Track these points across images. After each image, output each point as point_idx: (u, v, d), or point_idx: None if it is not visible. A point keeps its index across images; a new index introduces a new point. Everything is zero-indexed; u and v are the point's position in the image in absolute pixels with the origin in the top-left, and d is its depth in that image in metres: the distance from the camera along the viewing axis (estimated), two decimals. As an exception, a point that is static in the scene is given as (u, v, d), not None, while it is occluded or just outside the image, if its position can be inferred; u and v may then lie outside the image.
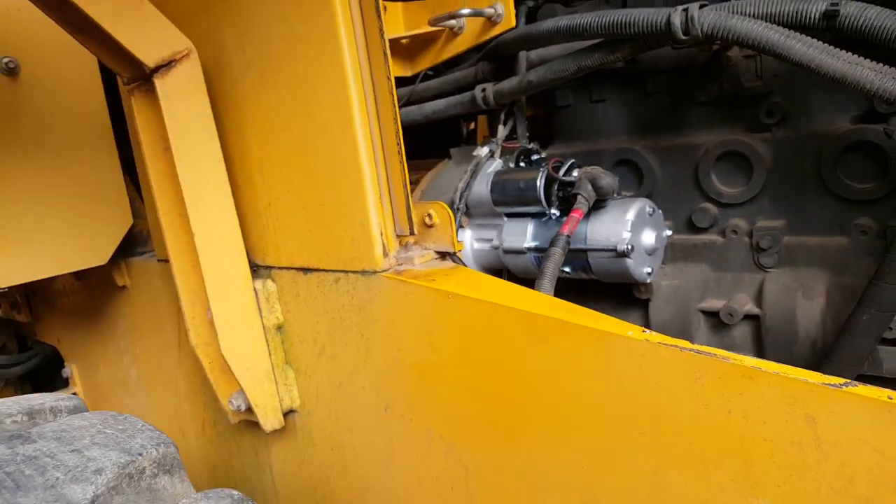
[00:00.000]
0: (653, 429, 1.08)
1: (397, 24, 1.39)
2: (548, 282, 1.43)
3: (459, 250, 1.44)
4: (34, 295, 2.83)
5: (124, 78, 1.57)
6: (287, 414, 1.72)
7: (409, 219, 1.38)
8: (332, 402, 1.61)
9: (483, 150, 1.79)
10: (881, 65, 1.25)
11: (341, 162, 1.38)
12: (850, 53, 1.28)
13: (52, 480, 0.83)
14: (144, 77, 1.55)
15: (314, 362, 1.62)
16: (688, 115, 1.74)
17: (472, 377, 1.29)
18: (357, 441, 1.58)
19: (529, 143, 1.88)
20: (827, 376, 0.93)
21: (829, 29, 1.32)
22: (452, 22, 1.34)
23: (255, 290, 1.63)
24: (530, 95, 1.95)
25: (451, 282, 1.34)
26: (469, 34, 1.37)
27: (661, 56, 1.71)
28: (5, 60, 1.81)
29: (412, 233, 1.40)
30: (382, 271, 1.40)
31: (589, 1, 1.85)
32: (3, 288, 1.85)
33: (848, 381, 0.91)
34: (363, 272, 1.42)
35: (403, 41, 1.38)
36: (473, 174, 1.76)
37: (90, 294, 2.39)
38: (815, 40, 1.31)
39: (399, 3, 1.36)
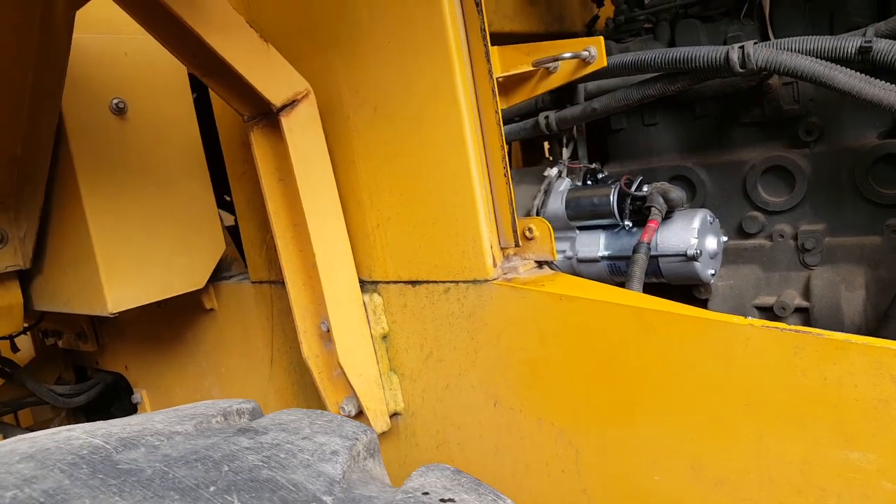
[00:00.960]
0: (757, 400, 1.29)
1: (496, 65, 1.61)
2: (636, 283, 1.65)
3: (555, 259, 1.65)
4: (101, 325, 2.97)
5: (245, 115, 1.76)
6: (391, 417, 1.90)
7: (515, 232, 1.59)
8: (437, 402, 1.80)
9: (553, 171, 2.00)
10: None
11: (454, 183, 1.59)
12: (883, 82, 1.52)
13: (305, 461, 1.00)
14: (264, 114, 1.75)
15: (420, 367, 1.81)
16: (734, 135, 1.98)
17: (583, 368, 1.49)
18: (464, 436, 1.76)
19: (590, 163, 2.11)
20: (906, 343, 1.15)
21: (864, 61, 1.56)
22: (551, 63, 1.56)
23: (364, 303, 1.82)
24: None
25: (558, 285, 1.54)
26: (563, 73, 1.59)
27: (708, 84, 1.95)
28: (115, 101, 2.00)
29: (517, 245, 1.61)
30: (493, 279, 1.60)
31: (639, 38, 2.10)
32: (115, 313, 2.02)
33: (926, 346, 1.13)
34: (474, 281, 1.63)
35: (500, 80, 1.59)
36: (547, 192, 1.97)
37: (170, 319, 2.55)
38: (853, 71, 1.55)
39: (496, 48, 1.57)
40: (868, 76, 1.54)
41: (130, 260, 2.04)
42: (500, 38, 1.66)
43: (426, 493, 0.98)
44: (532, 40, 1.74)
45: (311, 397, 2.16)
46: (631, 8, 2.13)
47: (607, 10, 2.34)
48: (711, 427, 1.35)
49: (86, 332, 2.98)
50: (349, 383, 1.80)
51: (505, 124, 2.14)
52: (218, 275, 2.34)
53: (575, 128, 2.14)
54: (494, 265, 1.61)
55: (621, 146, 2.19)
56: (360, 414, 1.84)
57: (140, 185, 2.06)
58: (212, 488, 0.88)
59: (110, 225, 1.98)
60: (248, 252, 2.18)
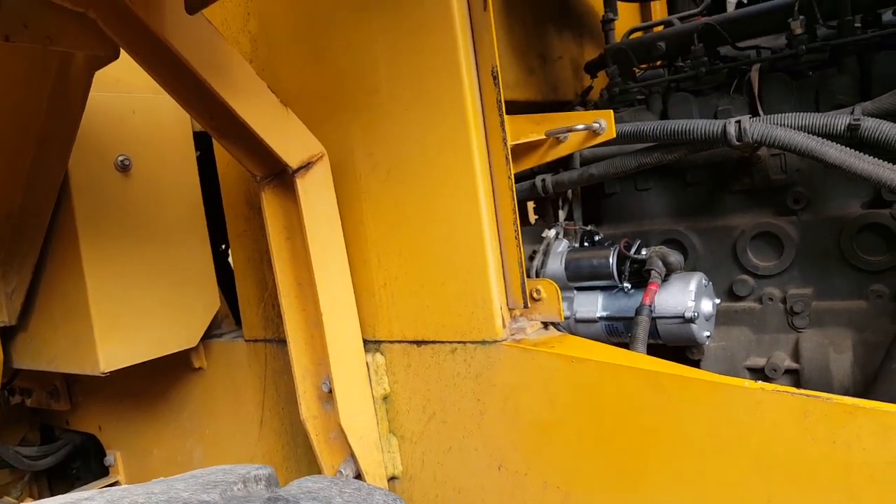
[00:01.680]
0: (766, 463, 1.32)
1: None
2: (641, 345, 1.69)
3: (562, 321, 1.69)
4: (76, 383, 2.88)
5: (257, 176, 1.78)
6: (388, 481, 1.88)
7: (524, 293, 1.63)
8: (438, 466, 1.79)
9: (551, 232, 2.06)
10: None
11: (465, 245, 1.62)
12: (871, 157, 1.63)
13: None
14: (275, 175, 1.77)
15: (421, 429, 1.80)
16: (724, 202, 2.07)
17: (592, 430, 1.51)
18: (464, 500, 1.75)
19: (586, 225, 2.17)
20: (910, 406, 1.20)
21: (852, 137, 1.66)
22: (562, 134, 1.63)
23: (366, 363, 1.82)
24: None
25: (568, 347, 1.57)
26: (573, 142, 1.66)
27: (699, 153, 2.04)
28: (121, 158, 2.00)
29: (526, 306, 1.64)
30: (502, 340, 1.62)
31: (632, 108, 2.20)
32: (106, 372, 1.98)
33: (929, 409, 1.19)
34: (482, 342, 1.65)
35: (511, 147, 1.65)
36: (546, 253, 2.02)
37: (153, 378, 2.49)
38: (843, 147, 1.65)
39: (508, 117, 1.64)
40: (858, 152, 1.64)
41: (126, 317, 2.01)
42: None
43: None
44: (531, 108, 1.81)
45: (301, 460, 2.12)
46: (625, 80, 2.23)
47: (600, 82, 2.45)
48: (721, 491, 1.37)
49: (59, 390, 2.88)
50: (349, 446, 1.78)
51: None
52: (209, 332, 2.31)
53: (571, 191, 2.21)
54: (503, 326, 1.64)
55: (615, 209, 2.26)
56: (357, 478, 1.81)
57: (139, 242, 2.05)
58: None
59: (107, 281, 1.96)
60: (244, 310, 2.16)
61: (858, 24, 1.90)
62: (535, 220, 2.50)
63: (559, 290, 1.67)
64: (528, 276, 2.00)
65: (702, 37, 2.07)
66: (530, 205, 2.59)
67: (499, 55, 1.57)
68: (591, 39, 2.62)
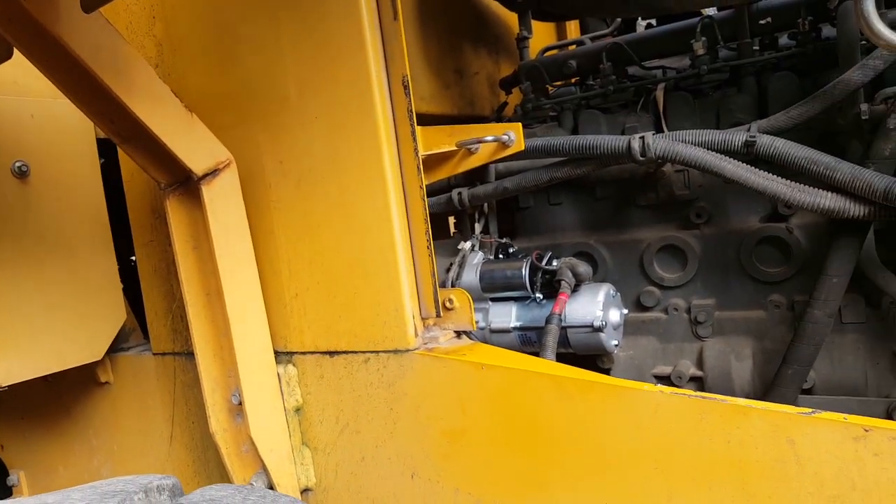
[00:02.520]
0: (666, 463, 1.36)
1: (419, 144, 1.68)
2: (550, 353, 1.72)
3: (475, 330, 1.70)
4: (-29, 400, 2.71)
5: (161, 183, 1.73)
6: (302, 493, 1.84)
7: (437, 302, 1.64)
8: (352, 476, 1.77)
9: (467, 245, 2.08)
10: (790, 181, 1.69)
11: (377, 255, 1.62)
12: (766, 172, 1.72)
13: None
14: (181, 182, 1.73)
15: (335, 439, 1.78)
16: (631, 216, 2.14)
17: (502, 436, 1.53)
18: (378, 509, 1.74)
19: (501, 238, 2.20)
20: (800, 408, 1.27)
21: (748, 153, 1.75)
22: (473, 145, 1.65)
23: (278, 374, 1.79)
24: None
25: (479, 355, 1.59)
26: (483, 154, 1.68)
27: (608, 169, 2.11)
28: (18, 164, 1.91)
29: (438, 315, 1.65)
30: (414, 349, 1.62)
31: (545, 125, 2.26)
32: (4, 387, 1.87)
33: (814, 409, 1.26)
34: (395, 351, 1.64)
35: (423, 157, 1.67)
36: (461, 265, 2.04)
37: (57, 393, 2.37)
38: (739, 162, 1.74)
39: (420, 128, 1.65)
40: (753, 168, 1.73)
41: (24, 329, 1.91)
42: (416, 119, 1.75)
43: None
44: (447, 122, 1.83)
45: (213, 474, 2.06)
46: (538, 97, 2.29)
47: (514, 98, 2.50)
48: (624, 490, 1.41)
49: (-48, 409, 2.71)
50: (260, 458, 1.74)
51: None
52: (115, 346, 2.22)
53: (486, 204, 2.24)
54: (416, 335, 1.64)
55: (528, 223, 2.31)
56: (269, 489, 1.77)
57: (38, 251, 1.95)
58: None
59: (4, 291, 1.85)
60: (151, 322, 2.09)
61: (757, 47, 2.02)
62: (454, 233, 2.52)
63: (471, 300, 1.69)
64: (444, 287, 2.02)
65: (610, 56, 2.15)
66: (451, 219, 2.62)
67: (414, 68, 1.59)
68: (508, 57, 2.68)
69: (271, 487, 1.77)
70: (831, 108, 1.76)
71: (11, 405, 2.56)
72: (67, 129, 2.00)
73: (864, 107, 1.71)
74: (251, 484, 1.78)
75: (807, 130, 1.89)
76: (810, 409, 1.26)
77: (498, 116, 2.48)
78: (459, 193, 2.18)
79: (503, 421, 1.53)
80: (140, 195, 2.01)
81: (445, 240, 2.23)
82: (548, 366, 1.52)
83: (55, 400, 2.39)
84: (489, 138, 1.63)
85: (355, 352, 1.71)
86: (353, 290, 1.68)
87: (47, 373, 1.95)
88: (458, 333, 1.74)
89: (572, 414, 1.44)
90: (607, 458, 1.42)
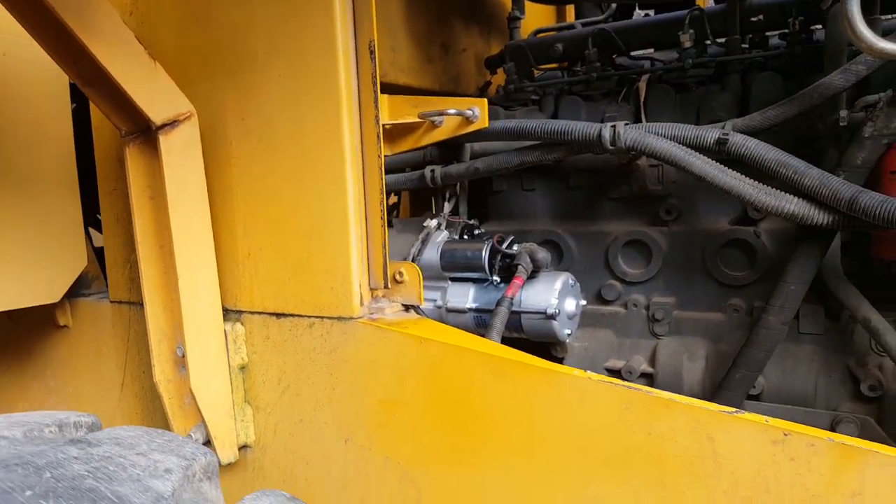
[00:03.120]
0: (588, 450, 1.36)
1: (384, 113, 1.66)
2: (496, 334, 1.71)
3: (423, 304, 1.69)
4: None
5: (122, 130, 1.73)
6: (240, 449, 1.85)
7: (385, 274, 1.63)
8: (290, 437, 1.77)
9: (433, 223, 2.06)
10: (757, 182, 1.66)
11: (331, 222, 1.61)
12: (735, 172, 1.69)
13: (135, 475, 0.97)
14: (141, 131, 1.72)
15: (276, 400, 1.78)
16: (602, 208, 2.12)
17: (434, 410, 1.52)
18: (312, 472, 1.74)
19: (469, 219, 2.19)
20: (722, 406, 1.25)
21: (721, 152, 1.72)
22: (436, 117, 1.63)
23: (224, 331, 1.79)
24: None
25: (420, 329, 1.58)
26: (447, 128, 1.66)
27: (582, 158, 2.08)
28: (-14, 102, 1.91)
29: (386, 286, 1.64)
30: (358, 318, 1.62)
31: (525, 107, 2.23)
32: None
33: (737, 409, 1.24)
34: (339, 318, 1.64)
35: (387, 127, 1.65)
36: (424, 242, 2.03)
37: (19, 333, 2.39)
38: (709, 159, 1.71)
39: (386, 96, 1.63)
40: (722, 166, 1.70)
41: (-21, 264, 1.91)
42: (393, 90, 1.72)
43: (251, 515, 0.97)
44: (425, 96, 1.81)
45: (160, 424, 2.06)
46: (521, 79, 2.26)
47: (500, 79, 2.48)
48: (547, 473, 1.40)
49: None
50: (199, 411, 1.74)
51: (394, 173, 2.22)
52: (76, 291, 2.23)
53: (459, 184, 2.22)
54: (361, 304, 1.63)
55: (501, 207, 2.29)
56: (207, 443, 1.77)
57: (1, 191, 1.95)
58: (28, 493, 0.85)
59: (-39, 225, 1.86)
60: (110, 270, 2.09)
61: (746, 45, 1.98)
62: (426, 212, 2.50)
63: (421, 274, 1.68)
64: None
65: (596, 42, 2.12)
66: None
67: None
68: (501, 37, 2.65)
69: (208, 441, 1.77)
70: (811, 113, 1.72)
71: (-20, 341, 2.58)
72: (40, 70, 1.99)
73: (843, 113, 1.68)
74: (190, 436, 1.79)
75: (786, 134, 1.86)
76: (733, 409, 1.24)
77: (481, 96, 2.46)
78: (433, 171, 2.17)
79: (438, 395, 1.52)
80: (108, 143, 2.01)
81: (414, 218, 2.21)
82: (484, 344, 1.51)
83: (16, 341, 2.41)
84: (451, 111, 1.61)
85: (301, 315, 1.70)
86: (304, 253, 1.67)
87: (3, 309, 1.95)
88: (407, 307, 1.73)
89: (503, 393, 1.44)
90: (534, 441, 1.41)
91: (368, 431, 1.62)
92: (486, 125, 1.63)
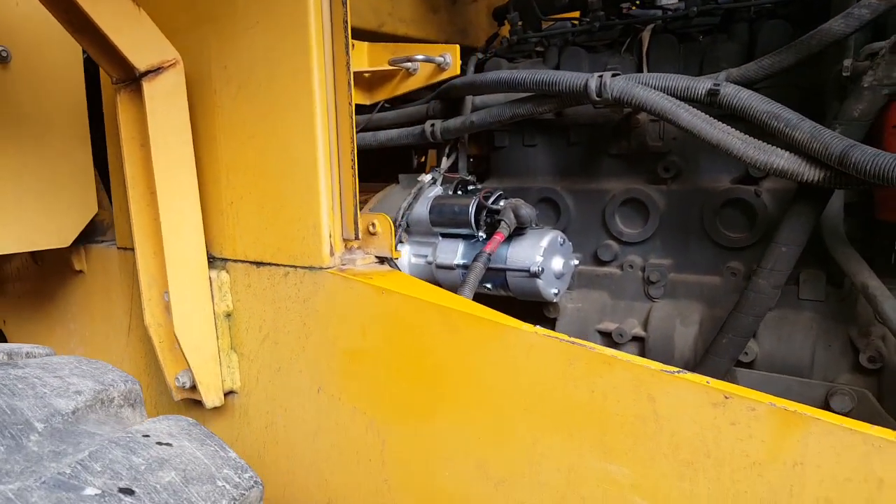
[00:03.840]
0: (535, 405, 1.33)
1: (361, 60, 1.64)
2: (468, 290, 1.69)
3: (397, 258, 1.68)
4: (-16, 277, 2.92)
5: (113, 77, 1.77)
6: (227, 395, 1.90)
7: (356, 225, 1.62)
8: (269, 384, 1.81)
9: (427, 177, 2.04)
10: (747, 136, 1.55)
11: (302, 171, 1.61)
12: (724, 125, 1.59)
13: (41, 393, 1.02)
14: (132, 79, 1.76)
15: (257, 347, 1.82)
16: (601, 165, 2.04)
17: (394, 361, 1.52)
18: (289, 419, 1.78)
19: (469, 175, 2.15)
20: (666, 365, 1.20)
21: (712, 104, 1.62)
22: (408, 64, 1.60)
23: (210, 279, 1.83)
24: (475, 135, 2.24)
25: (387, 281, 1.57)
26: (421, 76, 1.64)
27: (583, 112, 2.01)
28: (-1, 49, 1.99)
29: (357, 237, 1.64)
30: (328, 268, 1.62)
31: (529, 59, 2.16)
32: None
33: (680, 369, 1.18)
34: (310, 268, 1.65)
35: (366, 74, 1.62)
36: (416, 197, 2.01)
37: (45, 277, 2.52)
38: (699, 112, 1.61)
39: (365, 43, 1.61)
40: (713, 119, 1.60)
41: (-5, 208, 2.02)
42: (392, 41, 1.70)
43: (146, 436, 1.00)
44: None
45: (160, 368, 2.15)
46: (525, 30, 2.19)
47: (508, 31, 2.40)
48: (496, 428, 1.38)
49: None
50: (184, 356, 1.80)
51: (395, 128, 2.20)
52: (91, 237, 2.33)
53: (459, 140, 2.19)
54: (331, 254, 1.64)
55: (502, 163, 2.24)
56: (193, 388, 1.84)
57: (13, 135, 2.04)
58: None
59: (-27, 170, 1.96)
60: (117, 217, 2.17)
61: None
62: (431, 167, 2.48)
63: (393, 226, 1.66)
64: (396, 217, 2.00)
65: (600, -11, 2.03)
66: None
67: None
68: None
69: (194, 386, 1.83)
70: (815, 62, 1.60)
71: (13, 286, 2.74)
72: (53, 18, 2.05)
73: (847, 62, 1.55)
74: (177, 379, 1.86)
75: (790, 87, 1.74)
76: (675, 369, 1.18)
77: (487, 48, 2.39)
78: (433, 125, 2.13)
79: (397, 346, 1.52)
80: (114, 91, 2.06)
81: (412, 173, 2.19)
82: (443, 297, 1.49)
83: (43, 284, 2.54)
84: (419, 57, 1.58)
85: (277, 264, 1.72)
86: (279, 203, 1.69)
87: (13, 251, 2.05)
88: (382, 260, 1.72)
89: (456, 346, 1.42)
90: (484, 395, 1.39)
91: (338, 381, 1.64)
92: (458, 72, 1.59)
